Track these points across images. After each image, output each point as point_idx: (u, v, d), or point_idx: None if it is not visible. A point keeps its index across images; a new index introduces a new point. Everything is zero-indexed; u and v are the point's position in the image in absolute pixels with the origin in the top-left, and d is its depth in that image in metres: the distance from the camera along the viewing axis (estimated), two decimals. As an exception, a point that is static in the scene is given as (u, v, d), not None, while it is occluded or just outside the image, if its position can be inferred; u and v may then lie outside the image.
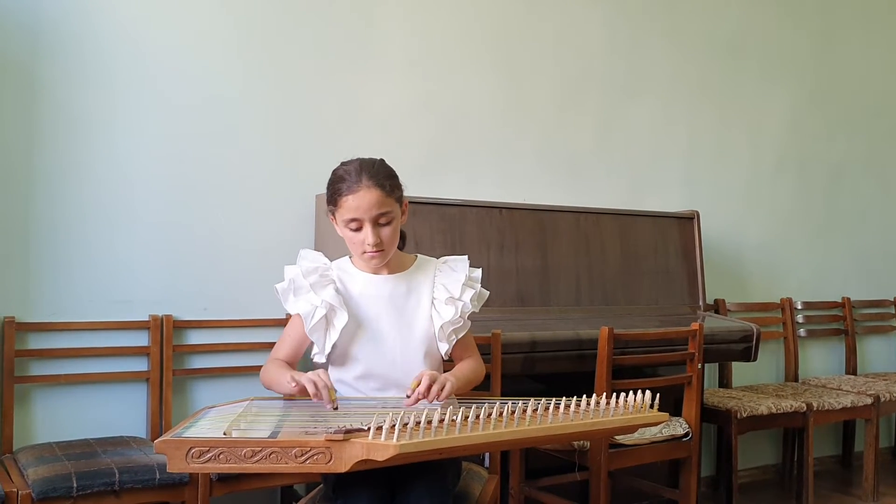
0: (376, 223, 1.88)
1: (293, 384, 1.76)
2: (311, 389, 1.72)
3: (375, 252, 1.89)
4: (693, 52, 4.01)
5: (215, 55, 2.92)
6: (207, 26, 2.91)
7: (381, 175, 1.90)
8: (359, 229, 1.89)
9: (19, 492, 2.14)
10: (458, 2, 3.40)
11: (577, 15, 3.69)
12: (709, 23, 4.06)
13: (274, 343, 2.81)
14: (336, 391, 1.80)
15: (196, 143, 2.89)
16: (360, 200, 1.86)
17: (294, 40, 3.06)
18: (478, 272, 2.04)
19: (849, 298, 4.39)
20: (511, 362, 2.68)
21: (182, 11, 2.86)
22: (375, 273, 1.98)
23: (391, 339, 1.94)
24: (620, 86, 3.80)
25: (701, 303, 3.53)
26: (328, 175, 2.96)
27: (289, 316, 2.03)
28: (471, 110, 3.43)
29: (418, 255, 2.07)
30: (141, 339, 2.77)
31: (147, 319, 2.76)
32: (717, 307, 3.93)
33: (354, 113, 3.16)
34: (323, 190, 2.91)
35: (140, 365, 2.76)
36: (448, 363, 2.06)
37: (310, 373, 1.76)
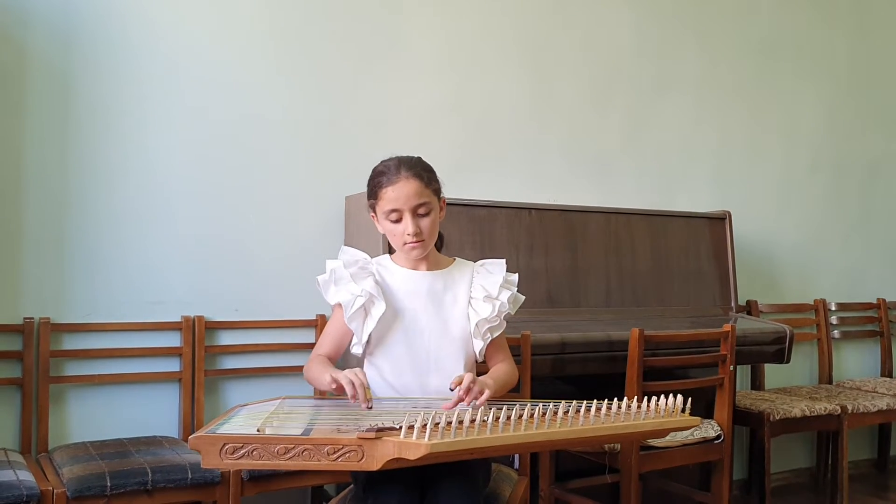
0: (415, 213, 1.93)
1: (333, 385, 1.80)
2: (349, 390, 1.76)
3: (416, 242, 1.94)
4: (724, 50, 3.97)
5: (245, 61, 2.94)
6: (237, 34, 2.93)
7: (419, 167, 1.96)
8: (399, 220, 1.94)
9: (54, 490, 2.17)
10: (487, 3, 3.40)
11: (607, 14, 3.67)
12: (741, 22, 4.01)
13: (305, 343, 2.88)
14: (372, 391, 1.82)
15: (227, 146, 2.91)
16: (399, 191, 1.92)
17: (322, 44, 3.07)
18: (514, 276, 2.08)
19: (884, 300, 4.32)
20: (541, 364, 2.66)
21: (212, 21, 2.89)
22: (414, 269, 2.02)
23: (427, 334, 1.96)
24: (650, 85, 3.78)
25: (733, 304, 3.49)
26: (358, 177, 3.00)
27: (320, 317, 2.05)
28: (500, 111, 3.42)
29: (456, 258, 2.11)
30: (173, 340, 2.80)
31: (179, 320, 2.79)
32: (750, 308, 3.88)
33: (383, 115, 3.17)
34: (353, 191, 2.98)
35: (172, 365, 2.79)
36: (481, 365, 2.06)
37: (347, 371, 1.79)
